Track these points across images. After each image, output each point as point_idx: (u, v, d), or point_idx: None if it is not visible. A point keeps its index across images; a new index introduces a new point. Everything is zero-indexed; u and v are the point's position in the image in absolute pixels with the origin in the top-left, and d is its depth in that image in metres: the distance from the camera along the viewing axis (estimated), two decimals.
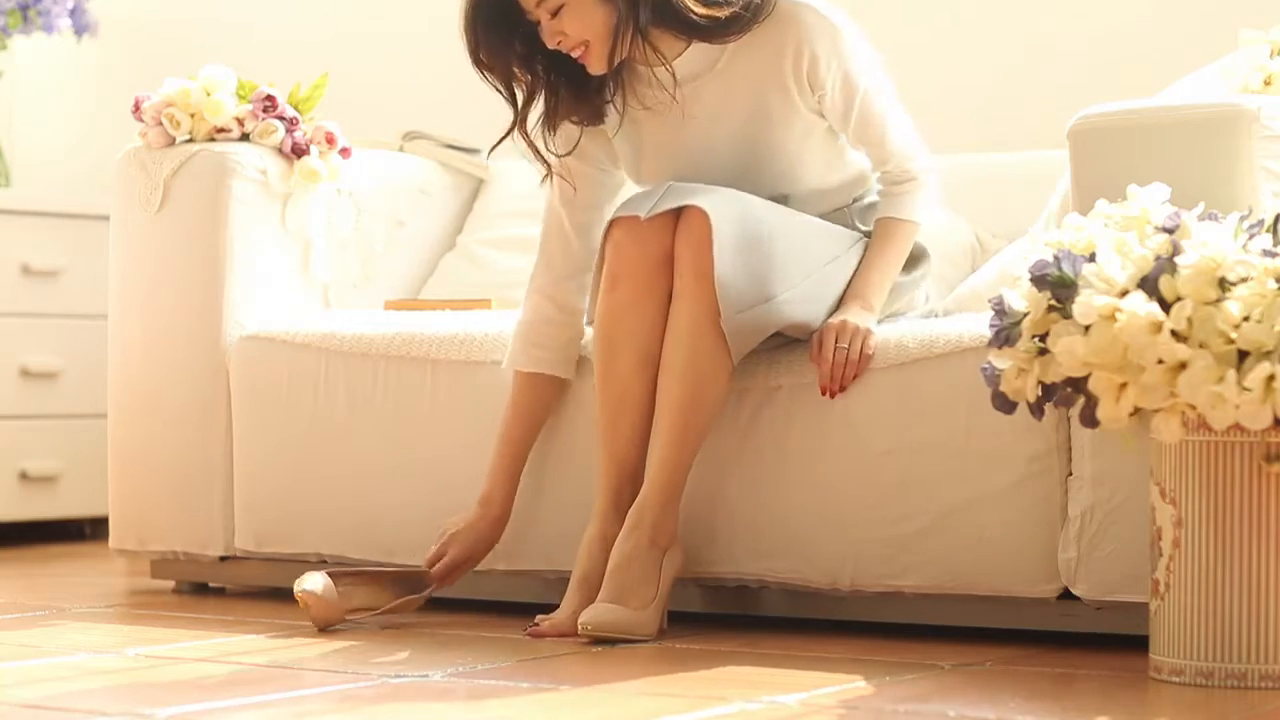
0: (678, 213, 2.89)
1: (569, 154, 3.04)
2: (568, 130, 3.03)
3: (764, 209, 2.94)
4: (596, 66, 2.94)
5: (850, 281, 3.00)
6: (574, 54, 2.93)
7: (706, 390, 2.89)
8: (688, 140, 3.04)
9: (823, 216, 3.07)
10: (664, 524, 2.89)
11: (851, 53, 2.99)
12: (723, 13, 2.93)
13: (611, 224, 2.93)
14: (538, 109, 3.01)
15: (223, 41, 4.64)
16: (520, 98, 2.99)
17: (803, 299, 2.93)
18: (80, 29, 4.62)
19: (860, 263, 3.02)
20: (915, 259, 3.12)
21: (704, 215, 2.85)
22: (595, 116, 3.02)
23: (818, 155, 3.05)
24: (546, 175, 3.06)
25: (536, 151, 3.02)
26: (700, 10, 2.92)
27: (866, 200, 3.12)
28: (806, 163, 3.05)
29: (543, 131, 3.02)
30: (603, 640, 2.82)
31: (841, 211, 3.10)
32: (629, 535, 2.88)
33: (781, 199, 3.04)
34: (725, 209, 2.87)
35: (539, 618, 2.91)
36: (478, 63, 2.96)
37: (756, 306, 2.87)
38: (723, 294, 2.84)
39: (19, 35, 4.63)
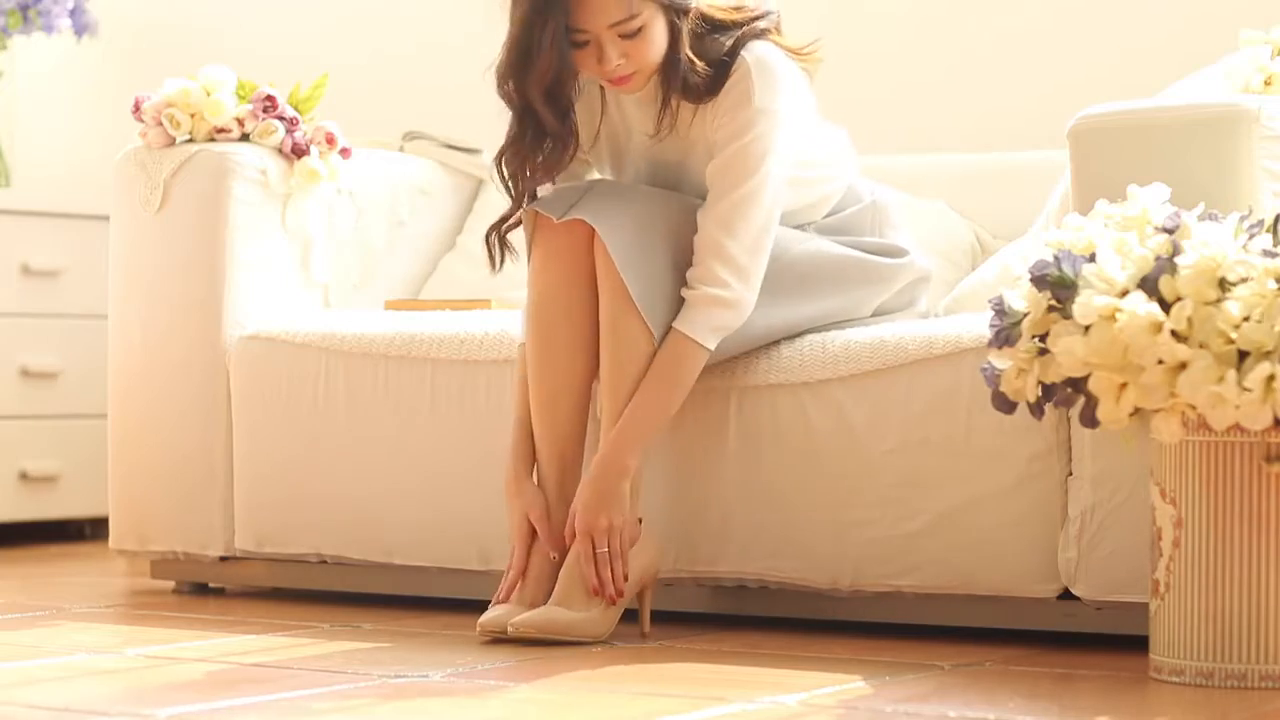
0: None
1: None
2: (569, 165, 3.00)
3: (662, 201, 2.91)
4: (638, 87, 2.89)
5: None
6: (621, 81, 2.85)
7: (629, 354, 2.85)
8: (646, 151, 3.00)
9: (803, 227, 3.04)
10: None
11: (765, 136, 2.87)
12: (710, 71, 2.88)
13: (537, 220, 2.92)
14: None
15: (223, 41, 4.64)
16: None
17: None
18: (80, 29, 4.61)
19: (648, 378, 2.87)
20: (896, 252, 3.05)
21: (591, 230, 2.84)
22: (579, 143, 2.97)
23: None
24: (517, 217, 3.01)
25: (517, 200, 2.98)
26: (699, 67, 2.86)
27: (848, 210, 3.06)
28: None
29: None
30: (538, 642, 2.77)
31: (822, 224, 3.06)
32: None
33: None
34: (618, 215, 2.84)
35: (485, 624, 2.83)
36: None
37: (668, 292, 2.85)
38: (632, 287, 2.83)
39: (19, 35, 4.63)
